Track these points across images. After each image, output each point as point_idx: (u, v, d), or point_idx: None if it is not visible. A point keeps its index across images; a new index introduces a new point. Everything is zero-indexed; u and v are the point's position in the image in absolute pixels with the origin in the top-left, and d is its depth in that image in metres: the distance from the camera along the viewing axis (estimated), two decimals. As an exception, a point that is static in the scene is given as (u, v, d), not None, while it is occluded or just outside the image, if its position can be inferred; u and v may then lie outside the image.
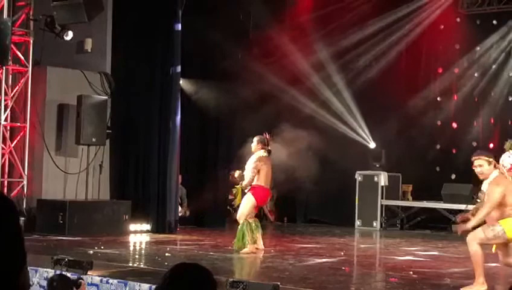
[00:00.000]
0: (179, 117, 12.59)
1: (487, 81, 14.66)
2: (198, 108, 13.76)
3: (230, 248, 10.09)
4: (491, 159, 7.17)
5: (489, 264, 8.19)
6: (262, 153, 10.02)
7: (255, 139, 10.14)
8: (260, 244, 10.06)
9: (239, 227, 9.95)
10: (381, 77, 14.74)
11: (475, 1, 14.55)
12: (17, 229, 2.10)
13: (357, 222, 14.57)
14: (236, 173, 10.19)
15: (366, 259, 9.90)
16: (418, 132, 14.69)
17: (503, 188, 7.00)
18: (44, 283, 6.69)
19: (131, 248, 10.73)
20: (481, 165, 7.13)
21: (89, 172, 12.32)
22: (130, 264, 8.71)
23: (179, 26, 12.47)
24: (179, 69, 12.59)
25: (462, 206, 12.93)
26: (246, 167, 10.05)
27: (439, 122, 14.93)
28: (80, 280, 5.25)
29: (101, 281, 6.89)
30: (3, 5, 12.01)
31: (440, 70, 15.20)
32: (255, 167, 9.90)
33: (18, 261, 2.08)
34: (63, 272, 6.77)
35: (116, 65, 12.94)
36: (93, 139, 12.26)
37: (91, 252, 9.28)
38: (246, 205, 9.97)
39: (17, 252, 2.08)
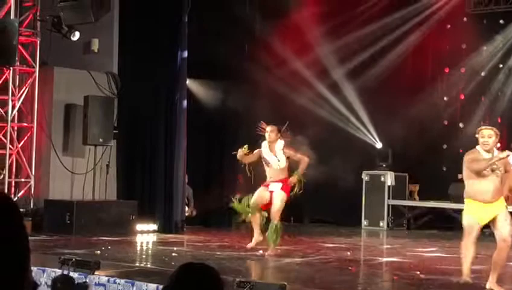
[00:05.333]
0: (185, 116, 12.59)
1: (494, 80, 14.63)
2: (204, 107, 13.77)
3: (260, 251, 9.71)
4: (498, 133, 7.16)
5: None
6: (284, 142, 9.80)
7: (274, 128, 9.84)
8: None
9: (273, 226, 9.50)
10: (387, 76, 14.70)
11: (482, 0, 14.52)
12: (18, 228, 2.11)
13: (364, 222, 14.55)
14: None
15: (372, 259, 9.88)
16: (424, 132, 14.67)
17: None
18: (52, 283, 6.69)
19: (138, 248, 10.74)
20: (490, 136, 7.08)
21: (96, 172, 12.34)
22: (137, 264, 8.72)
23: (186, 19, 12.44)
24: (185, 67, 12.60)
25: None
26: (276, 155, 9.74)
27: (446, 122, 14.90)
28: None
29: (108, 281, 6.90)
30: (10, 6, 12.04)
31: (447, 70, 15.17)
32: (292, 152, 9.71)
33: (22, 260, 2.09)
34: (70, 273, 6.78)
35: (122, 65, 12.96)
36: (100, 140, 12.29)
37: (98, 252, 9.29)
38: (282, 202, 9.65)
39: (20, 250, 2.10)
